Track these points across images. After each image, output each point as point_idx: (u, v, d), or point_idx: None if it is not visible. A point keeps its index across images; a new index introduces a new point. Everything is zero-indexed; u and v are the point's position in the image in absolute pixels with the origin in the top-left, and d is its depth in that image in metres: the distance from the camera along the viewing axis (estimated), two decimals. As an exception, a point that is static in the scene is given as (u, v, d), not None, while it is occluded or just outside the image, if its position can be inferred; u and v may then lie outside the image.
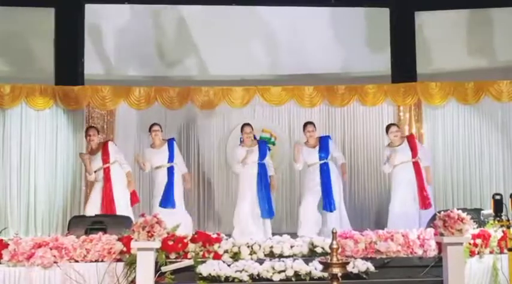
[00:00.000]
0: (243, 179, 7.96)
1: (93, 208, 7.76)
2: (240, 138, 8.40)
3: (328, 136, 8.36)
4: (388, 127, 8.23)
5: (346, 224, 7.81)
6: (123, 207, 7.84)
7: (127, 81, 9.44)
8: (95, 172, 7.95)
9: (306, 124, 8.27)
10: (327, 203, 7.87)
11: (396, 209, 7.93)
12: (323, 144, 8.11)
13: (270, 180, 8.01)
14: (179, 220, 7.70)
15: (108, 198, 7.78)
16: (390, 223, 7.85)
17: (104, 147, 8.02)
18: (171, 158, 8.09)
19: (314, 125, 8.22)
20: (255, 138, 8.26)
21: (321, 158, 8.04)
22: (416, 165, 7.99)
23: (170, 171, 8.05)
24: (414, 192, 7.93)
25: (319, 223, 7.88)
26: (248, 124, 8.14)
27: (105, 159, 7.94)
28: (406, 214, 7.83)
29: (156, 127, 8.16)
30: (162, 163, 8.06)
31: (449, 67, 9.59)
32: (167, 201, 7.93)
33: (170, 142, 8.19)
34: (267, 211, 7.82)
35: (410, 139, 8.20)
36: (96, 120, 9.22)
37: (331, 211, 7.87)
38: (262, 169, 7.93)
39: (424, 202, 7.88)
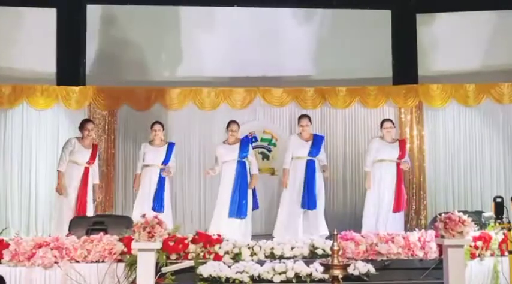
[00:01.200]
0: (222, 177, 7.92)
1: (68, 206, 7.66)
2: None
3: (323, 136, 8.25)
4: (382, 122, 8.20)
5: (323, 226, 7.77)
6: (90, 211, 7.79)
7: (128, 82, 9.44)
8: (73, 163, 7.80)
9: (300, 118, 8.15)
10: (305, 200, 7.79)
11: (373, 210, 7.91)
12: (317, 141, 8.01)
13: (251, 178, 7.89)
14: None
15: (83, 200, 7.71)
16: (365, 223, 7.85)
17: (94, 148, 7.98)
18: (166, 160, 7.96)
19: (309, 119, 8.11)
20: (248, 138, 8.18)
21: (310, 154, 7.94)
22: (398, 167, 7.98)
23: (161, 174, 7.94)
24: (391, 192, 7.90)
25: (299, 222, 7.81)
26: (235, 122, 8.03)
27: (91, 160, 7.90)
28: (379, 214, 7.86)
29: (157, 126, 8.04)
30: (155, 163, 7.92)
31: (451, 69, 9.59)
32: (160, 205, 7.83)
33: (171, 145, 8.08)
34: (235, 211, 7.70)
35: (402, 142, 8.20)
36: (98, 120, 9.21)
37: (309, 208, 7.79)
38: (241, 167, 7.83)
39: (398, 205, 7.86)
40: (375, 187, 7.96)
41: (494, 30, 9.55)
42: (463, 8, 9.61)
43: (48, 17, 9.39)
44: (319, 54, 9.63)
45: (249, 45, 9.58)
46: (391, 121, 8.26)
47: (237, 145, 7.92)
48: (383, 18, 9.81)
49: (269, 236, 7.38)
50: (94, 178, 8.01)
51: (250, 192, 7.86)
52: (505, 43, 9.48)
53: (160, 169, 7.95)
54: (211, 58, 9.54)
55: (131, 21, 9.58)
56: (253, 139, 9.44)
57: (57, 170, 7.84)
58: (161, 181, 7.93)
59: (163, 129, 8.11)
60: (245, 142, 8.05)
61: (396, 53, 9.73)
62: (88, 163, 7.87)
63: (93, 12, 9.53)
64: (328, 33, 9.70)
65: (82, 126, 7.98)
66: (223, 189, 7.87)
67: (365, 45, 9.62)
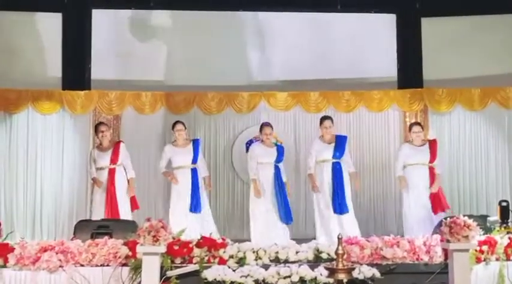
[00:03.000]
0: (258, 180, 7.76)
1: (99, 211, 7.72)
2: (252, 140, 8.29)
3: (346, 136, 8.10)
4: (411, 126, 8.22)
5: (355, 229, 7.61)
6: (125, 212, 7.78)
7: (133, 86, 9.45)
8: (99, 170, 7.89)
9: (324, 119, 7.99)
10: (337, 205, 7.66)
11: (413, 212, 7.86)
12: (340, 142, 7.87)
13: (286, 186, 7.85)
14: (207, 225, 7.73)
15: (112, 201, 7.74)
16: (407, 227, 7.78)
17: (115, 146, 8.00)
18: (195, 159, 7.89)
19: (332, 120, 8.00)
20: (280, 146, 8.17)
21: (334, 156, 7.83)
22: (431, 170, 7.97)
23: (194, 173, 7.85)
24: (427, 195, 7.88)
25: (333, 226, 7.66)
26: (268, 125, 7.98)
27: (114, 159, 7.92)
28: (421, 218, 7.80)
29: (179, 126, 7.97)
30: (185, 164, 7.86)
31: (456, 73, 9.56)
32: (197, 205, 7.76)
33: (196, 142, 8.02)
34: (288, 215, 7.68)
35: (433, 144, 8.15)
36: (103, 124, 9.23)
37: (341, 213, 7.67)
38: (278, 171, 7.79)
39: (438, 207, 7.84)
40: (410, 191, 7.92)
41: (499, 34, 9.52)
42: (468, 12, 9.59)
43: (53, 21, 9.42)
44: (323, 58, 9.61)
45: (254, 49, 9.60)
46: (419, 124, 8.31)
47: (274, 149, 7.88)
48: (388, 22, 9.80)
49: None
50: (128, 173, 8.02)
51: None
52: (510, 47, 9.45)
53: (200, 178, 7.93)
54: (215, 62, 9.54)
55: (136, 26, 9.60)
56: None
57: (92, 178, 8.00)
58: (194, 182, 7.84)
59: (185, 128, 8.05)
60: (282, 148, 8.00)
61: (401, 57, 9.71)
62: (111, 164, 7.90)
63: (99, 17, 9.55)
64: (333, 37, 9.69)
65: (95, 129, 8.16)
66: (262, 193, 7.71)
67: (370, 49, 9.62)
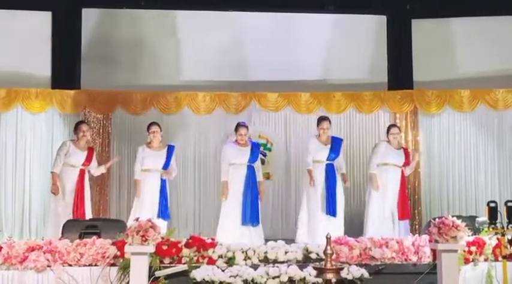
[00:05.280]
0: (230, 181, 7.68)
1: (65, 210, 7.63)
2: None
3: (341, 139, 8.06)
4: (389, 128, 8.19)
5: (341, 231, 7.52)
6: (88, 214, 7.76)
7: (123, 86, 9.43)
8: (69, 166, 7.79)
9: (321, 120, 7.93)
10: (330, 207, 7.63)
11: (376, 213, 7.86)
12: (336, 144, 7.84)
13: (258, 185, 7.75)
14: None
15: (81, 203, 7.70)
16: (368, 227, 7.78)
17: (90, 151, 7.98)
18: (166, 165, 7.76)
19: (330, 122, 7.96)
20: (258, 143, 8.09)
21: (330, 158, 7.79)
22: (403, 173, 8.00)
23: (163, 179, 7.78)
24: (394, 198, 7.89)
25: (320, 227, 7.61)
26: (243, 125, 7.85)
27: (88, 161, 7.89)
28: (382, 220, 7.81)
29: (154, 128, 7.82)
30: (155, 167, 7.75)
31: (446, 75, 9.62)
32: (165, 212, 7.68)
33: (170, 148, 7.88)
34: (249, 217, 7.54)
35: (406, 151, 8.23)
36: (93, 124, 9.19)
37: (333, 215, 7.64)
38: (251, 171, 7.69)
39: (404, 212, 7.86)
40: (380, 192, 7.89)
41: (489, 36, 9.57)
42: (458, 14, 9.65)
43: (43, 20, 9.39)
44: (314, 59, 9.63)
45: (245, 50, 9.60)
46: (397, 127, 8.34)
47: (248, 148, 7.75)
48: (379, 23, 9.84)
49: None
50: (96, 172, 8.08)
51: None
52: (500, 49, 9.50)
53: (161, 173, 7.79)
54: (207, 62, 9.53)
55: (127, 25, 9.59)
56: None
57: (52, 172, 7.85)
58: (163, 188, 7.76)
59: (160, 130, 7.93)
60: (256, 147, 7.89)
61: (391, 58, 9.76)
62: (83, 165, 7.86)
63: (89, 16, 9.52)
64: (324, 38, 9.71)
65: (76, 127, 8.01)
66: (231, 195, 7.64)
67: (360, 50, 9.66)
